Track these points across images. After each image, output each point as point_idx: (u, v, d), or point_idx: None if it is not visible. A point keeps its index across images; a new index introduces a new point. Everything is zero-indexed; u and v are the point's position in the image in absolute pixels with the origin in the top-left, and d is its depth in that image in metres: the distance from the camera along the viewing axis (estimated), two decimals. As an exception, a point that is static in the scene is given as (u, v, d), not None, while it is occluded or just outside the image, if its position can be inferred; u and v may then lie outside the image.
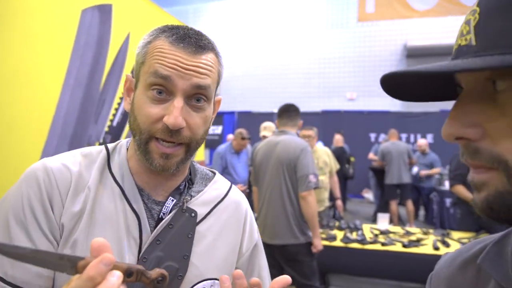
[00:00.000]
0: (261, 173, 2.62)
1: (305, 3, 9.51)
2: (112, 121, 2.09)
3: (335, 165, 4.11)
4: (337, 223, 3.59)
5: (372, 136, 8.68)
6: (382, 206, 6.13)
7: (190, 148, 0.66)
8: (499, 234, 0.47)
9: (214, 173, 0.81)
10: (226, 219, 0.74)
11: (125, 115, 2.17)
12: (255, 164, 2.70)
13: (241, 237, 0.75)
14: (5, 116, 1.48)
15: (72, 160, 0.68)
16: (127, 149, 0.72)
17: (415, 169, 6.17)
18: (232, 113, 9.78)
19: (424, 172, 6.09)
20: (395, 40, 8.87)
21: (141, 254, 0.64)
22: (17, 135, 1.53)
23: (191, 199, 0.72)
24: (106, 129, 2.04)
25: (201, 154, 3.46)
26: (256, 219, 3.57)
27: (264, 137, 4.00)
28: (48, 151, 1.67)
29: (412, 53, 8.62)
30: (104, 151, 0.71)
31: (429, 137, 7.90)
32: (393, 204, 5.77)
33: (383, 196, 6.26)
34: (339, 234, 3.23)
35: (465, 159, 0.38)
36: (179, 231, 0.67)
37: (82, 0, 1.84)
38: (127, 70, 2.13)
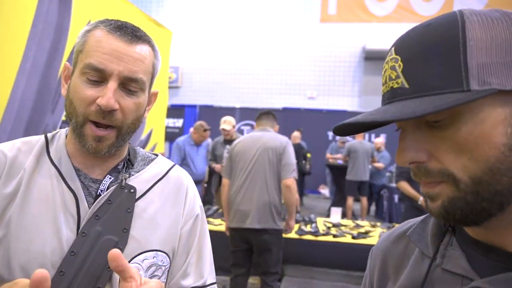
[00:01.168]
0: (241, 161, 2.67)
1: (269, 1, 9.61)
2: (70, 110, 2.05)
3: (293, 161, 4.24)
4: (292, 216, 3.72)
5: (330, 134, 8.98)
6: (337, 201, 6.41)
7: (121, 132, 0.70)
8: (425, 215, 0.59)
9: (157, 155, 0.84)
10: (166, 195, 0.77)
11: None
12: (233, 154, 2.74)
13: (182, 211, 0.78)
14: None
15: (9, 147, 0.71)
16: (66, 136, 0.75)
17: (369, 166, 6.52)
18: (193, 106, 9.70)
19: (375, 162, 6.45)
20: (355, 43, 9.21)
21: (80, 230, 0.67)
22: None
23: (129, 176, 0.75)
24: (63, 118, 2.00)
25: (161, 146, 3.45)
26: (218, 210, 3.59)
27: (224, 130, 4.05)
28: (1, 137, 1.62)
29: (370, 56, 8.99)
30: (43, 138, 0.74)
31: (382, 137, 8.34)
32: (350, 200, 6.08)
33: (341, 191, 6.54)
34: (295, 227, 3.36)
35: (419, 178, 0.47)
36: (118, 207, 0.70)
37: (41, -15, 1.79)
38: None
